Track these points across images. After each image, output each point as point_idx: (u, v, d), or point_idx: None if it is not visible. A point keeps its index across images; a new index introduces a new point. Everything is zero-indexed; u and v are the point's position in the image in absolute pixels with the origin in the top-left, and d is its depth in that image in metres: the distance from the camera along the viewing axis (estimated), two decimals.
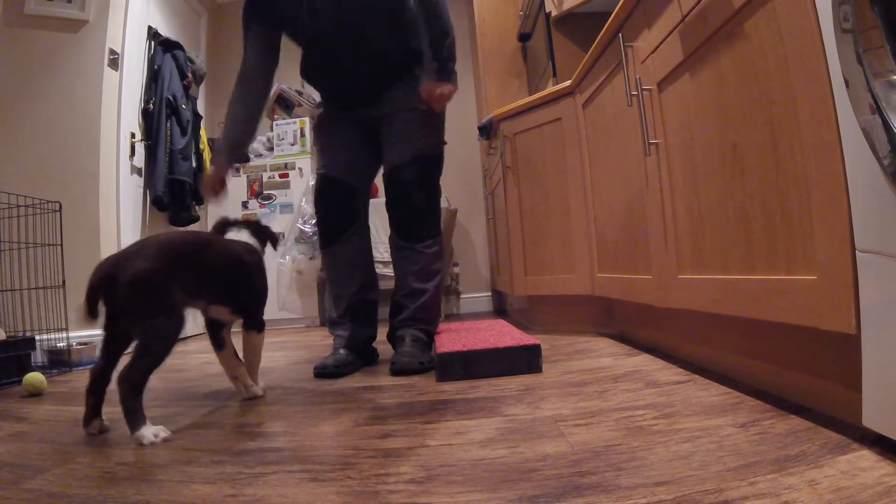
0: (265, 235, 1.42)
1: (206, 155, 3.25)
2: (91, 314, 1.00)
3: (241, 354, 1.30)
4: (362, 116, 1.66)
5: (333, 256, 1.67)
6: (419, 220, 1.60)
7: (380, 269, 2.47)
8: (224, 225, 1.38)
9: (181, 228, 3.07)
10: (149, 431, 0.97)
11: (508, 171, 2.27)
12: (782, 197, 0.84)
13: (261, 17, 1.55)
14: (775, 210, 0.86)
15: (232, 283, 1.24)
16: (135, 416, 0.97)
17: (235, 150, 1.60)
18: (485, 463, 0.75)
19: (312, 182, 2.66)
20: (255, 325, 1.31)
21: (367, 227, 1.74)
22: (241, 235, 1.36)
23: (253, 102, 1.58)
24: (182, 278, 1.06)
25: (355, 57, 1.55)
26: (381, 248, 2.68)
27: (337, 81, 1.64)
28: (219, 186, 1.55)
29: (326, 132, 1.71)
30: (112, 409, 1.04)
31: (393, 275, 1.68)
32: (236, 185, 3.44)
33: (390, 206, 1.63)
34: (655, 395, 1.03)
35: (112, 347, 1.05)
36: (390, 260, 1.69)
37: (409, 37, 1.57)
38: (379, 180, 1.73)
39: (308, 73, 1.66)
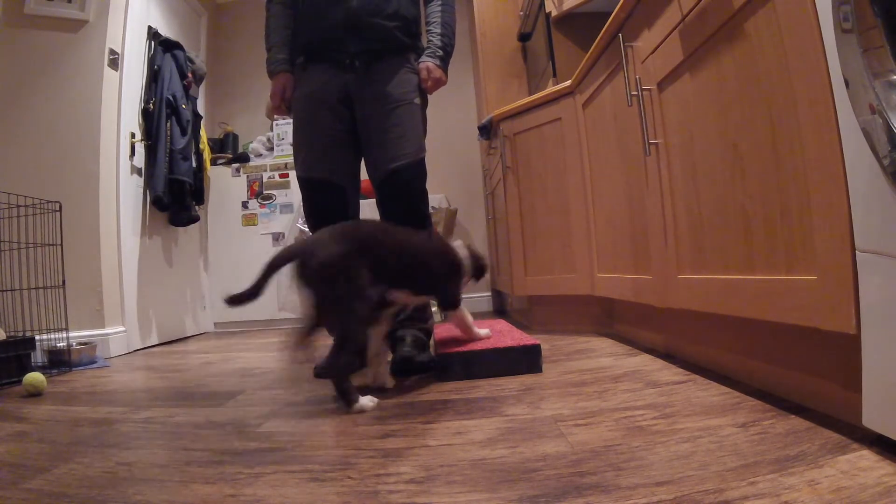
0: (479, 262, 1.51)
1: (206, 155, 3.25)
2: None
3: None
4: (339, 86, 1.54)
5: None
6: (421, 225, 1.59)
7: None
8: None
9: (180, 228, 3.08)
10: (365, 400, 1.10)
11: (508, 171, 2.27)
12: (782, 197, 0.84)
13: None
14: (775, 210, 0.86)
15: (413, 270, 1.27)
16: (348, 396, 1.10)
17: (288, 53, 1.62)
18: (485, 463, 0.75)
19: None
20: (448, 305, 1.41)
21: None
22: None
23: (288, 21, 1.64)
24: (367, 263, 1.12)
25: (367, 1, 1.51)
26: None
27: (335, 23, 1.51)
28: (289, 94, 1.60)
29: (300, 124, 1.60)
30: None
31: None
32: (236, 184, 3.45)
33: (390, 209, 1.57)
34: (655, 395, 1.03)
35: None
36: None
37: (418, 19, 1.61)
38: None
39: (306, 12, 1.57)
